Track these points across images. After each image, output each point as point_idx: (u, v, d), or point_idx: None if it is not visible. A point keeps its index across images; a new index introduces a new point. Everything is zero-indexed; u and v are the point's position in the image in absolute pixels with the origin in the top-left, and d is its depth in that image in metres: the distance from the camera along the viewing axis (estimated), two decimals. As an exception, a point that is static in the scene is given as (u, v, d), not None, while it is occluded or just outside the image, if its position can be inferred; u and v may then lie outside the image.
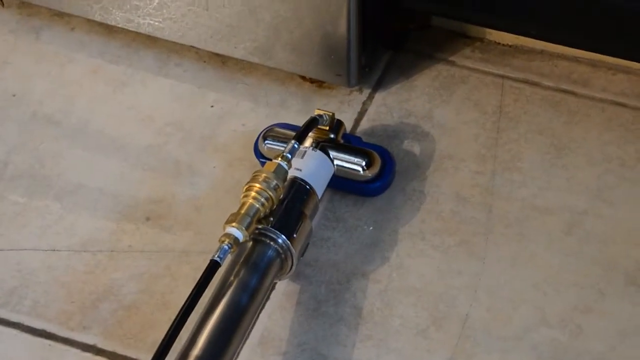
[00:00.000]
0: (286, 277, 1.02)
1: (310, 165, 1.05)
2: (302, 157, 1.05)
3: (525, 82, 1.22)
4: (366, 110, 1.21)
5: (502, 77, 1.23)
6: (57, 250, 1.09)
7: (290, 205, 1.01)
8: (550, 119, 1.18)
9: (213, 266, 0.93)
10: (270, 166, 0.99)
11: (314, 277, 1.07)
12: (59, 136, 1.19)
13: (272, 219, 0.99)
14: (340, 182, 1.10)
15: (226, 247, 0.94)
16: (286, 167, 0.99)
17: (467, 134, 1.18)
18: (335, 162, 1.08)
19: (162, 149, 1.18)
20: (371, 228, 1.10)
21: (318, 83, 1.23)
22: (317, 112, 1.08)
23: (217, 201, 1.13)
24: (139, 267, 1.08)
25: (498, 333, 1.02)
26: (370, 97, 1.22)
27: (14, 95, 1.23)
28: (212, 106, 1.22)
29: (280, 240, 0.98)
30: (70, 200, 1.14)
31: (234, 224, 0.95)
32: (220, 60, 1.26)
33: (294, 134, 1.04)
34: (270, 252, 0.98)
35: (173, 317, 1.01)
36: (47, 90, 1.24)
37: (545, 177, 1.13)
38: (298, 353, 1.01)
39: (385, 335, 1.02)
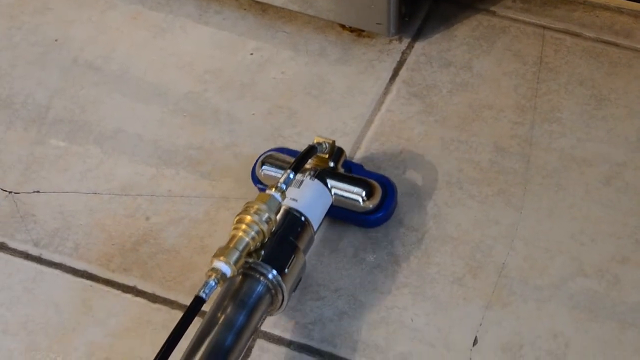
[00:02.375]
0: (277, 313, 0.97)
1: (307, 195, 1.00)
2: (299, 186, 1.00)
3: (567, 32, 1.21)
4: (405, 59, 1.20)
5: (543, 27, 1.22)
6: (97, 193, 1.11)
7: (283, 238, 0.96)
8: (591, 70, 1.18)
9: (198, 302, 0.88)
10: (263, 197, 0.94)
11: (351, 225, 1.07)
12: (99, 82, 1.20)
13: (263, 252, 0.94)
14: (340, 212, 1.04)
15: (213, 282, 0.89)
16: (279, 199, 0.94)
17: (506, 84, 1.17)
18: (334, 192, 1.02)
19: (201, 96, 1.19)
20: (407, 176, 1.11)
21: (357, 32, 1.23)
22: (316, 139, 1.02)
23: (255, 148, 1.14)
24: (178, 212, 1.09)
25: (534, 282, 1.02)
26: (410, 47, 1.21)
27: (55, 41, 1.24)
28: (251, 54, 1.22)
29: (270, 276, 0.93)
30: (110, 145, 1.15)
31: (221, 258, 0.90)
32: (261, 8, 1.26)
33: (292, 160, 0.99)
34: (259, 288, 0.93)
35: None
36: (88, 36, 1.24)
37: (584, 128, 1.13)
38: (335, 298, 1.02)
39: (422, 283, 1.03)
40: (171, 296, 1.03)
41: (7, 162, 1.13)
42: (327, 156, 1.03)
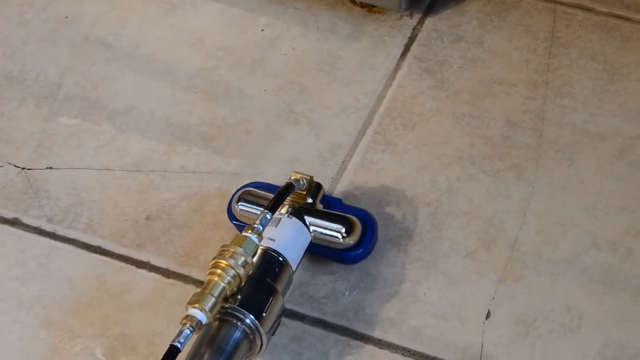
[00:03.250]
0: (257, 358, 0.94)
1: (285, 234, 0.97)
2: (277, 225, 0.97)
3: (578, 7, 1.21)
4: (416, 35, 1.20)
5: (555, 2, 1.21)
6: (110, 169, 1.11)
7: (260, 281, 0.93)
8: (603, 44, 1.17)
9: (172, 352, 0.85)
10: (239, 240, 0.91)
11: (364, 199, 1.08)
12: (110, 59, 1.20)
13: (239, 296, 0.91)
14: (319, 249, 1.01)
15: (188, 331, 0.87)
16: (256, 241, 0.92)
17: (518, 59, 1.17)
18: (313, 229, 0.99)
19: (212, 72, 1.19)
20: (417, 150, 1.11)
21: (368, 7, 1.23)
22: (293, 176, 1.00)
23: (267, 125, 1.14)
24: (191, 188, 1.09)
25: (548, 256, 1.02)
26: (421, 22, 1.21)
27: (66, 17, 1.24)
28: (262, 30, 1.22)
29: (248, 320, 0.90)
30: (122, 121, 1.15)
31: (196, 305, 0.87)
32: (271, -15, 1.26)
33: (270, 196, 0.97)
34: (237, 334, 0.90)
35: (224, 236, 1.03)
36: (99, 13, 1.24)
37: (596, 103, 1.13)
38: (348, 273, 1.03)
39: (435, 257, 1.03)
40: (184, 271, 1.03)
41: (19, 139, 1.13)
42: (305, 192, 1.00)
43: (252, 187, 1.04)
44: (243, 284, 0.91)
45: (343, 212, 1.01)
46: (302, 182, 1.00)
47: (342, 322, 0.99)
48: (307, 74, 1.18)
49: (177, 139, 1.13)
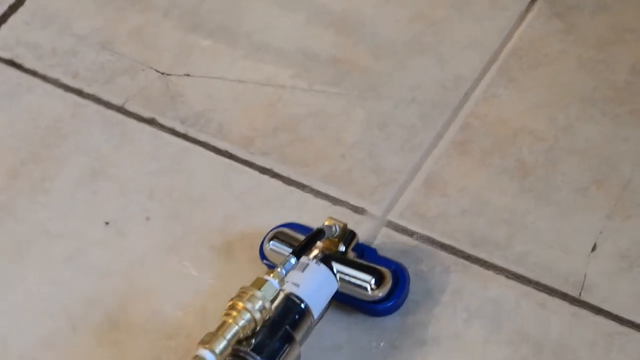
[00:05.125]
0: None
1: (310, 281, 0.93)
2: (303, 270, 0.94)
3: None
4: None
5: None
6: (243, 82, 1.17)
7: (278, 326, 0.90)
8: None
9: None
10: (258, 283, 0.89)
11: (482, 130, 1.11)
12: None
13: (253, 340, 0.88)
14: (347, 299, 0.97)
15: None
16: (277, 286, 0.89)
17: (650, 8, 1.18)
18: (340, 277, 0.96)
19: (347, 1, 1.23)
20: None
21: (505, -51, 1.25)
22: (327, 221, 0.96)
23: (394, 53, 1.18)
24: (317, 105, 1.15)
25: (659, 198, 1.04)
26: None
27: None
28: (399, -37, 1.26)
29: None
30: (257, 39, 1.21)
31: (207, 346, 0.85)
32: None
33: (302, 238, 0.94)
34: None
35: (344, 152, 1.08)
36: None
37: None
38: (460, 197, 1.06)
39: (546, 189, 1.06)
40: (304, 181, 1.09)
41: (161, 46, 1.20)
42: (337, 240, 0.97)
43: (288, 227, 1.01)
44: (259, 328, 0.88)
45: (376, 263, 0.98)
46: (334, 229, 0.96)
47: (450, 242, 1.03)
48: (439, 9, 1.21)
49: (308, 59, 1.18)
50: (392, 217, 1.05)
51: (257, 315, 0.87)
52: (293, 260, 0.91)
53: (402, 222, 1.05)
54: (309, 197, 1.07)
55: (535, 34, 1.18)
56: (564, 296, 0.98)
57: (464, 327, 0.97)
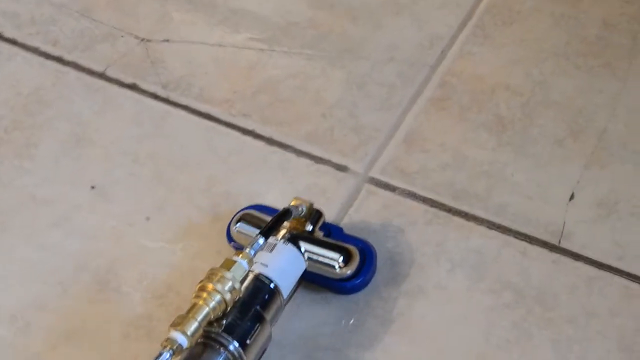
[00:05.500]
0: None
1: (279, 261, 0.93)
2: (271, 250, 0.94)
3: None
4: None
5: None
6: (222, 46, 1.18)
7: (248, 307, 0.90)
8: None
9: None
10: (228, 264, 0.88)
11: (459, 86, 1.13)
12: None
13: (224, 321, 0.88)
14: (315, 277, 0.97)
15: (167, 354, 0.83)
16: (246, 267, 0.88)
17: (619, -37, 1.20)
18: (309, 257, 0.96)
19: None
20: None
21: None
22: (293, 202, 0.96)
23: (370, 14, 1.19)
24: (296, 67, 1.16)
25: (634, 147, 1.06)
26: None
27: None
28: None
29: (231, 347, 0.87)
30: (236, 4, 1.22)
31: (179, 327, 0.85)
32: None
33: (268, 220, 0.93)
34: (219, 359, 0.87)
35: (325, 112, 1.10)
36: None
37: (694, 8, 1.16)
38: (440, 151, 1.08)
39: (524, 142, 1.08)
40: (287, 141, 1.10)
41: (141, 13, 1.21)
42: (304, 219, 0.97)
43: (254, 209, 1.01)
44: (229, 309, 0.88)
45: (343, 241, 0.98)
46: (301, 209, 0.96)
47: (431, 195, 1.05)
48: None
49: (286, 23, 1.20)
50: (374, 173, 1.07)
51: (227, 296, 0.87)
52: (261, 240, 0.90)
53: (384, 178, 1.07)
54: (291, 156, 1.09)
55: (508, -8, 1.20)
56: (544, 244, 1.01)
57: (447, 277, 0.99)
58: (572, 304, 0.96)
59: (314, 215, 0.98)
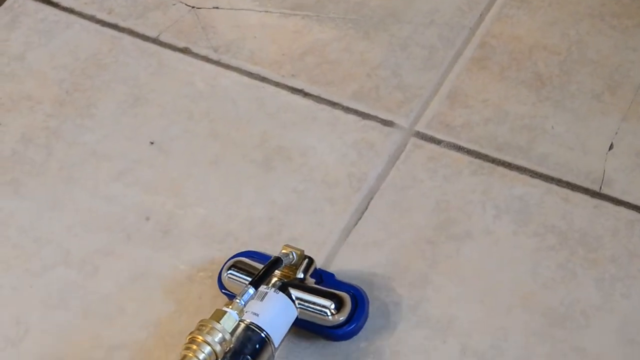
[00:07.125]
0: None
1: (270, 310, 0.93)
2: (262, 299, 0.93)
3: None
4: None
5: None
6: (269, 12, 1.23)
7: (239, 357, 0.90)
8: None
9: None
10: (218, 315, 0.88)
11: (498, 47, 1.18)
12: None
13: None
14: (307, 324, 0.97)
15: None
16: (236, 317, 0.89)
17: None
18: (300, 304, 0.95)
19: None
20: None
21: None
22: (284, 249, 0.97)
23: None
24: (341, 31, 1.21)
25: (669, 99, 1.11)
26: None
27: None
28: None
29: None
30: (280, -26, 1.27)
31: None
32: None
33: (259, 268, 0.94)
34: None
35: (369, 72, 1.14)
36: None
37: None
38: (482, 107, 1.13)
39: (562, 98, 1.13)
40: (334, 99, 1.15)
41: (190, -19, 1.27)
42: (295, 267, 0.97)
43: (245, 256, 1.00)
44: (220, 359, 0.88)
45: (334, 288, 0.98)
46: (291, 256, 0.96)
47: (475, 147, 1.10)
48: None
49: (330, -11, 1.25)
50: (420, 127, 1.12)
51: (218, 348, 0.87)
52: (251, 290, 0.91)
53: (429, 132, 1.11)
54: (340, 113, 1.13)
55: (543, -42, 1.25)
56: (585, 191, 1.05)
57: (493, 223, 1.04)
58: (614, 246, 1.01)
59: (306, 262, 0.98)
